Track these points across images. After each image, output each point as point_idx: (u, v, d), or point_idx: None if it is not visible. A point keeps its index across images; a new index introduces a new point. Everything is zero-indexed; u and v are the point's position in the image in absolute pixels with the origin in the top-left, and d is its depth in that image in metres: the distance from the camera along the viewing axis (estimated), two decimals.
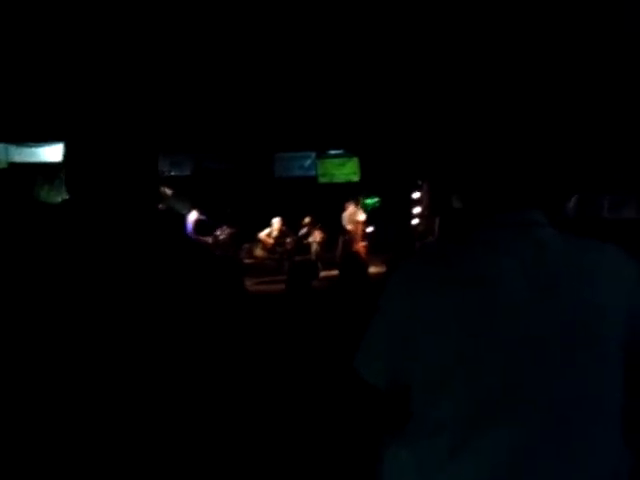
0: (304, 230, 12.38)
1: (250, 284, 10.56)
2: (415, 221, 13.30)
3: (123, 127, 1.26)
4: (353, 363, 1.23)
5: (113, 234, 1.21)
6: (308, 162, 13.41)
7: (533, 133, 1.13)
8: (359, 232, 12.17)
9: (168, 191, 10.36)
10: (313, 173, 13.39)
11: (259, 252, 13.04)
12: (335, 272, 11.70)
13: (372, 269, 11.47)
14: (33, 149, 11.93)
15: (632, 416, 1.06)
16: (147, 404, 1.16)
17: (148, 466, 1.15)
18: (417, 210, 13.25)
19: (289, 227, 12.68)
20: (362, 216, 12.34)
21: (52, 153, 11.28)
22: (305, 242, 12.24)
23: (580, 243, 1.12)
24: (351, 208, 12.36)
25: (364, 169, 13.26)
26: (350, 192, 12.87)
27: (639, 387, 1.09)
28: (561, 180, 1.13)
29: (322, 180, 13.43)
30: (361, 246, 12.00)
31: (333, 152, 13.43)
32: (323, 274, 11.65)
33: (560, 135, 1.13)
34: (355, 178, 13.39)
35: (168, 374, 1.21)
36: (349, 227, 12.22)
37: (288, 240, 12.33)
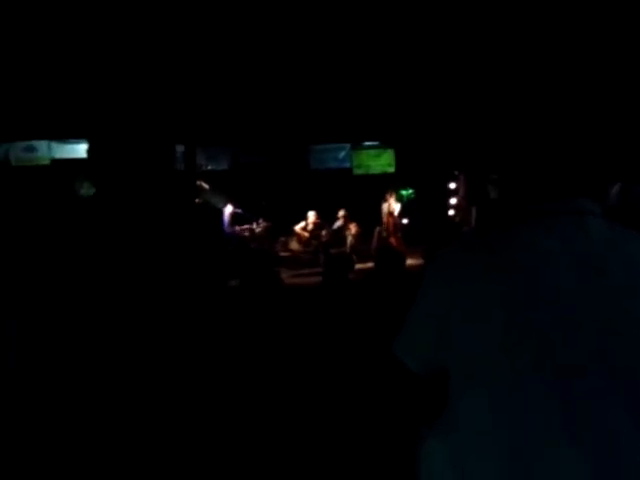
0: (339, 223, 12.38)
1: (286, 277, 10.63)
2: (451, 212, 13.16)
3: (149, 122, 1.28)
4: (392, 348, 1.22)
5: (135, 226, 1.23)
6: (343, 154, 13.38)
7: (581, 119, 1.11)
8: (393, 224, 12.10)
9: (205, 185, 10.49)
10: (348, 165, 13.36)
11: (294, 245, 13.09)
12: (370, 264, 11.68)
13: (409, 261, 11.40)
14: (74, 146, 12.21)
15: None
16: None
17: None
18: (453, 201, 13.10)
19: (324, 220, 12.70)
20: (397, 207, 12.27)
21: None
22: (340, 235, 12.25)
23: (629, 234, 1.09)
24: (391, 199, 12.29)
25: (399, 160, 13.17)
26: (385, 184, 12.80)
27: None
28: (608, 167, 1.11)
29: (357, 172, 13.38)
30: (395, 238, 11.92)
31: (368, 143, 13.37)
32: (358, 266, 11.63)
33: (607, 121, 1.10)
34: (391, 169, 13.30)
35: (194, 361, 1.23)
36: (386, 218, 12.17)
37: (323, 233, 12.34)
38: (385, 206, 12.22)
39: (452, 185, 13.21)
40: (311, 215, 12.69)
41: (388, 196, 12.27)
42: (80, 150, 11.98)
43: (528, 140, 1.13)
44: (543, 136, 1.12)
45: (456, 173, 12.93)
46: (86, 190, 9.96)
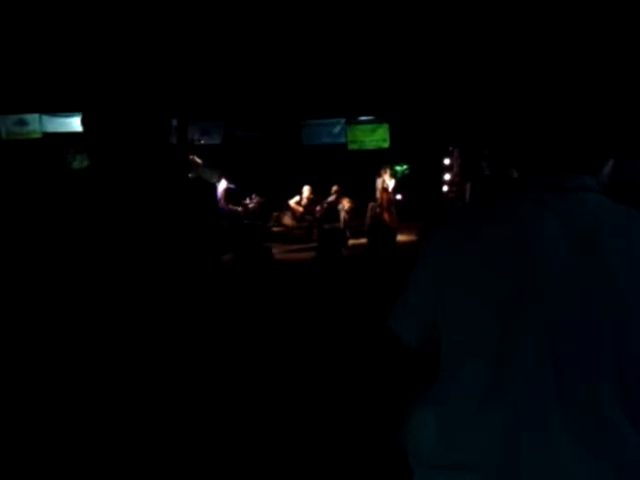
0: (332, 197, 12.36)
1: (279, 252, 10.64)
2: (445, 188, 13.15)
3: (142, 94, 1.27)
4: (387, 322, 1.23)
5: (130, 200, 1.23)
6: (337, 129, 13.30)
7: (582, 95, 1.10)
8: (387, 199, 12.08)
9: (198, 160, 10.42)
10: (343, 140, 13.28)
11: (288, 220, 13.08)
12: (364, 240, 11.70)
13: (401, 237, 11.43)
14: (66, 119, 12.09)
15: None
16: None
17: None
18: (447, 177, 13.08)
19: (318, 195, 12.67)
20: (391, 183, 12.23)
21: None
22: (334, 209, 12.24)
23: (626, 211, 1.09)
24: (385, 175, 12.25)
25: (394, 136, 13.10)
26: (380, 159, 12.74)
27: None
28: (606, 142, 1.11)
29: (352, 147, 13.32)
30: (389, 214, 11.92)
31: (363, 118, 13.28)
32: (352, 242, 11.65)
33: (605, 96, 1.10)
34: (385, 145, 13.23)
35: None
36: (380, 194, 12.14)
37: (317, 208, 12.33)
38: (379, 182, 12.18)
39: (447, 161, 13.17)
40: (306, 190, 12.66)
41: (382, 172, 12.22)
42: (72, 124, 11.85)
43: (525, 114, 1.13)
44: (540, 110, 1.11)
45: (450, 149, 12.88)
46: (79, 163, 9.88)
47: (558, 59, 1.13)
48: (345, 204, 12.12)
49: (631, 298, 1.02)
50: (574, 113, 1.10)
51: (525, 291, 1.03)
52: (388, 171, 12.29)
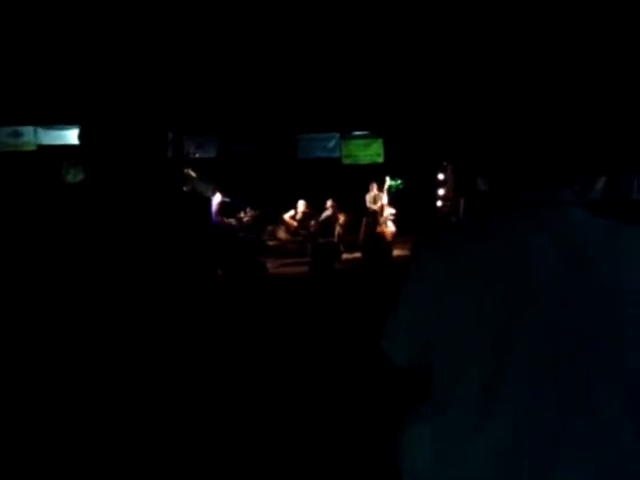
0: (327, 212, 12.38)
1: (273, 266, 10.62)
2: (439, 203, 13.20)
3: (138, 108, 1.27)
4: (380, 343, 1.23)
5: (126, 214, 1.22)
6: (332, 143, 13.35)
7: (563, 110, 1.11)
8: (382, 214, 12.11)
9: (192, 173, 10.42)
10: (337, 154, 13.33)
11: (282, 234, 13.07)
12: (358, 254, 11.70)
13: (397, 251, 11.43)
14: (61, 132, 12.09)
15: None
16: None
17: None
18: (442, 192, 13.13)
19: (313, 209, 12.68)
20: (384, 198, 12.29)
21: None
22: (329, 225, 12.25)
23: (609, 225, 1.10)
24: (374, 189, 12.33)
25: (388, 150, 13.16)
26: (374, 174, 12.79)
27: None
28: (590, 158, 1.12)
29: (346, 161, 13.36)
30: (385, 228, 11.94)
31: (357, 133, 13.35)
32: (346, 256, 11.64)
33: (589, 113, 1.11)
34: (379, 159, 13.28)
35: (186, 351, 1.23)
36: (372, 208, 12.19)
37: (312, 223, 12.33)
38: (369, 197, 12.29)
39: (441, 176, 13.24)
40: (301, 204, 12.67)
41: (371, 187, 12.34)
42: (67, 136, 11.85)
43: (510, 131, 1.14)
44: (525, 127, 1.12)
45: (445, 164, 12.95)
46: (72, 176, 9.86)
47: (542, 76, 1.15)
48: (340, 218, 12.14)
49: (621, 309, 1.02)
50: (556, 130, 1.11)
51: (519, 310, 1.03)
52: (376, 186, 12.37)
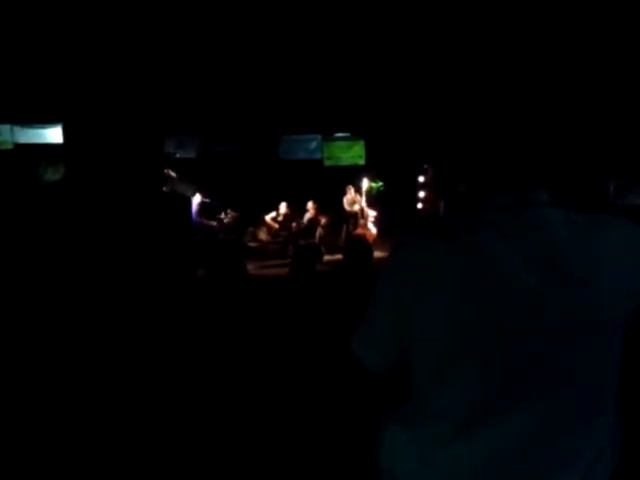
0: (309, 215, 12.36)
1: (254, 268, 10.58)
2: (419, 205, 13.25)
3: (123, 109, 1.26)
4: (351, 346, 1.22)
5: (110, 213, 1.21)
6: (314, 145, 13.34)
7: (534, 112, 1.10)
8: (362, 216, 12.17)
9: (172, 174, 10.33)
10: (319, 156, 13.32)
11: (263, 236, 13.02)
12: (339, 256, 11.68)
13: (378, 253, 11.45)
14: (38, 130, 11.90)
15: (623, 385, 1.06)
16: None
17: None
18: (422, 194, 13.19)
19: (294, 211, 12.65)
20: (362, 200, 12.37)
21: (57, 134, 11.23)
22: (310, 227, 12.23)
23: (584, 220, 1.07)
24: (351, 192, 12.41)
25: (370, 152, 13.18)
26: (355, 175, 12.83)
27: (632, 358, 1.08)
28: (567, 159, 1.11)
29: (328, 163, 13.35)
30: (366, 230, 11.97)
31: (339, 135, 13.35)
32: (327, 258, 11.63)
33: (563, 116, 1.10)
34: (361, 161, 13.30)
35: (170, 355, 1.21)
36: (350, 210, 12.26)
37: (293, 225, 12.30)
38: (346, 200, 12.35)
39: (421, 178, 13.29)
40: (283, 206, 12.64)
41: (347, 189, 12.41)
42: (44, 135, 11.68)
43: (480, 132, 1.12)
44: (496, 128, 1.10)
45: (425, 166, 13.01)
46: (51, 175, 9.73)
47: (513, 76, 1.13)
48: (321, 220, 12.15)
49: (598, 311, 1.02)
50: (528, 131, 1.09)
51: (490, 312, 1.02)
52: (353, 189, 12.45)
